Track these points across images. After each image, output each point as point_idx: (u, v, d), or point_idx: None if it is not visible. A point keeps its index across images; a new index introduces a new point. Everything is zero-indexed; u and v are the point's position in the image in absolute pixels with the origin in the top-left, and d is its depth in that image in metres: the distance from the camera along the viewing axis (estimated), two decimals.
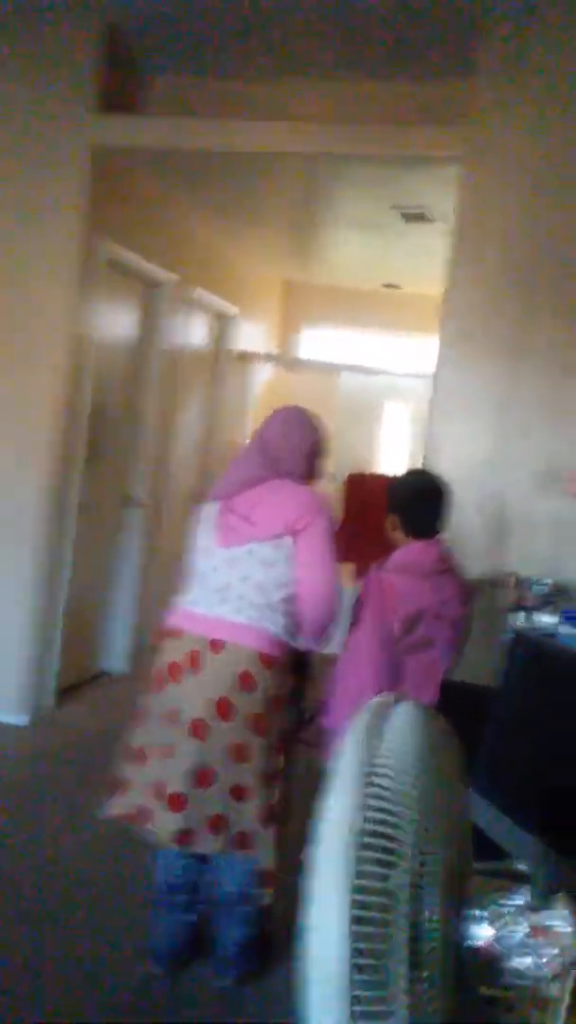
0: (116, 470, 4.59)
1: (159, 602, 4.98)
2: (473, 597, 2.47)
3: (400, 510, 2.43)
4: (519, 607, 2.43)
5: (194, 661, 2.15)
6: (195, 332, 5.25)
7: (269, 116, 3.80)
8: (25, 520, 3.90)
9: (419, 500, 2.45)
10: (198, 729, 2.12)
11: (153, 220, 4.53)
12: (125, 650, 4.80)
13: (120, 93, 3.88)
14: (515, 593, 2.52)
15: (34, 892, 2.69)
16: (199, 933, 2.37)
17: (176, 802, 2.12)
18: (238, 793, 2.14)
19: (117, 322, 4.40)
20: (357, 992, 0.75)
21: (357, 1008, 0.74)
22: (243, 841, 2.16)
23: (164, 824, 2.14)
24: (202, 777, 2.11)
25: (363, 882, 0.78)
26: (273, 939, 2.35)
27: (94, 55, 3.71)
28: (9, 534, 3.92)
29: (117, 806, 2.24)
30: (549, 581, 2.78)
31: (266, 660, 2.15)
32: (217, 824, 2.12)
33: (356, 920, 0.76)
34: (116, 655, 4.81)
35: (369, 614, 2.31)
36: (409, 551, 2.40)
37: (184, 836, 2.12)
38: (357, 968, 0.76)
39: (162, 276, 4.63)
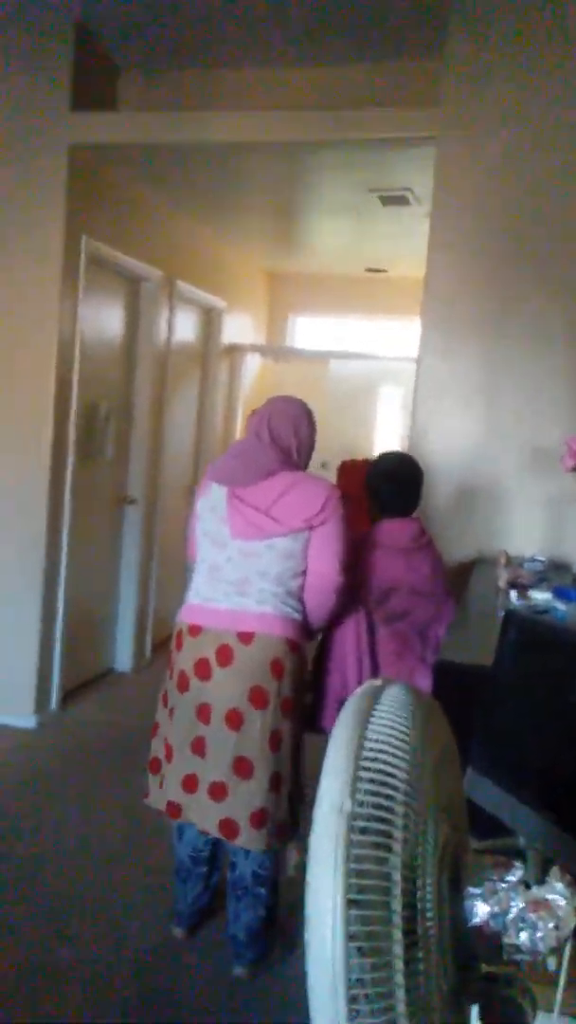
0: (110, 468, 4.58)
1: (161, 598, 5.03)
2: (446, 572, 2.57)
3: (375, 491, 2.53)
4: (513, 585, 2.43)
5: (224, 655, 2.18)
6: (182, 326, 5.24)
7: (243, 106, 3.79)
8: (21, 523, 3.90)
9: (391, 481, 2.53)
10: (233, 719, 2.16)
11: (134, 216, 4.51)
12: (130, 646, 4.82)
13: (94, 91, 3.86)
14: (509, 572, 2.52)
15: (57, 875, 2.78)
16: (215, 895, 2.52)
17: (217, 791, 2.17)
18: (276, 783, 2.18)
19: (103, 320, 4.38)
20: (357, 975, 0.75)
21: (356, 991, 0.75)
22: (281, 832, 2.21)
23: (205, 814, 2.19)
24: (241, 767, 2.16)
25: (358, 866, 0.78)
26: (288, 924, 2.42)
27: (66, 54, 3.69)
28: (6, 537, 3.92)
29: (156, 799, 2.33)
30: (543, 558, 2.79)
31: (292, 645, 2.22)
32: (260, 819, 2.16)
33: (352, 903, 0.77)
34: (121, 652, 4.83)
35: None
36: (385, 529, 2.48)
37: (228, 826, 2.17)
38: (358, 951, 0.77)
39: (146, 272, 4.61)
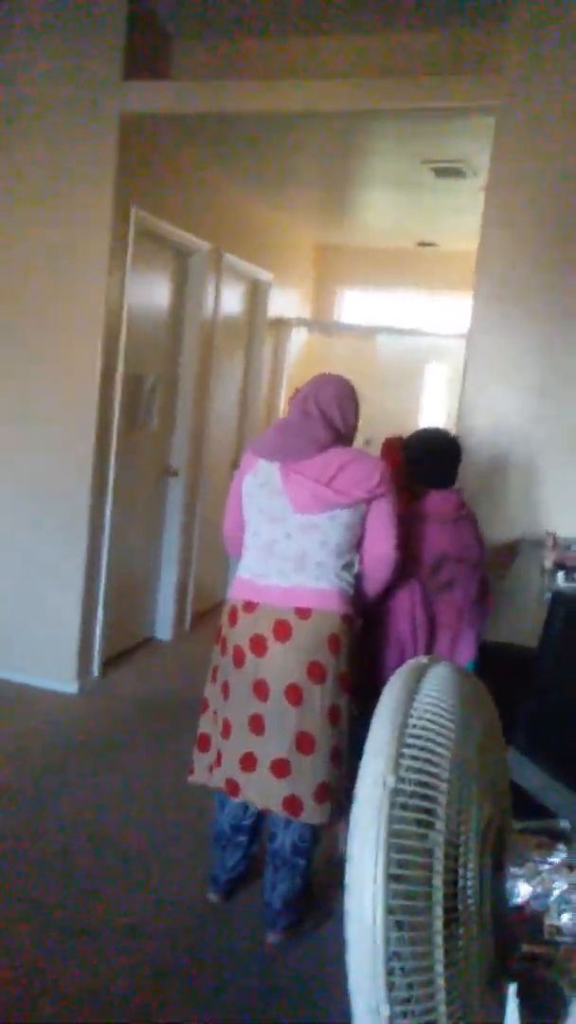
0: (154, 440, 4.61)
1: (202, 569, 5.06)
2: (484, 543, 2.63)
3: (416, 464, 2.58)
4: (560, 566, 2.40)
5: (281, 630, 2.19)
6: (229, 299, 5.22)
7: (298, 74, 3.72)
8: (66, 492, 3.94)
9: (431, 454, 2.59)
10: (293, 694, 2.17)
11: (183, 187, 4.49)
12: (170, 616, 4.87)
13: (147, 58, 3.83)
14: (555, 553, 2.49)
15: (95, 838, 2.84)
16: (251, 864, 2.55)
17: (280, 768, 2.18)
18: (336, 757, 2.20)
19: (151, 291, 4.39)
20: (395, 949, 0.76)
21: (395, 964, 0.75)
22: (341, 806, 2.23)
23: (267, 792, 2.20)
24: (304, 743, 2.17)
25: (400, 841, 0.78)
26: (324, 893, 2.46)
27: (118, 21, 3.66)
28: (51, 507, 3.97)
29: (210, 777, 2.34)
30: None
31: (347, 619, 2.24)
32: (323, 794, 2.18)
33: (393, 878, 0.77)
34: (162, 621, 4.88)
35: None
36: (430, 501, 2.52)
37: (291, 803, 2.18)
38: (396, 925, 0.77)
39: (194, 243, 4.60)
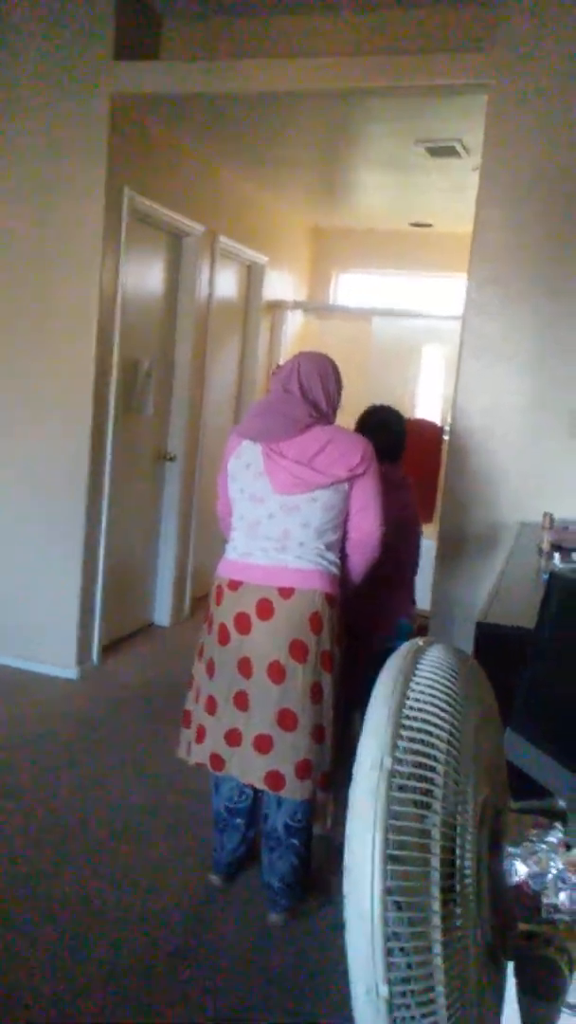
0: (150, 425, 4.59)
1: (200, 553, 5.06)
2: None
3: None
4: (557, 548, 2.40)
5: (264, 609, 2.21)
6: (224, 282, 5.19)
7: (289, 53, 3.68)
8: (63, 478, 3.94)
9: (381, 430, 2.66)
10: (275, 672, 2.20)
11: (176, 169, 4.45)
12: (169, 601, 4.88)
13: (137, 38, 3.79)
14: (552, 534, 2.49)
15: (98, 822, 2.85)
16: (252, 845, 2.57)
17: (263, 744, 2.21)
18: (318, 734, 2.22)
19: (145, 275, 4.36)
20: (393, 929, 0.76)
21: (393, 945, 0.76)
22: (324, 782, 2.25)
23: (250, 767, 2.23)
24: (285, 719, 2.20)
25: (397, 822, 0.79)
26: (323, 875, 2.48)
27: (108, 1, 3.61)
28: (49, 492, 3.96)
29: (196, 753, 2.37)
30: None
31: (330, 599, 2.25)
32: (305, 770, 2.20)
33: (392, 859, 0.77)
34: (160, 607, 4.89)
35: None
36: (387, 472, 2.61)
37: (273, 778, 2.21)
38: (395, 906, 0.77)
39: (188, 226, 4.56)
